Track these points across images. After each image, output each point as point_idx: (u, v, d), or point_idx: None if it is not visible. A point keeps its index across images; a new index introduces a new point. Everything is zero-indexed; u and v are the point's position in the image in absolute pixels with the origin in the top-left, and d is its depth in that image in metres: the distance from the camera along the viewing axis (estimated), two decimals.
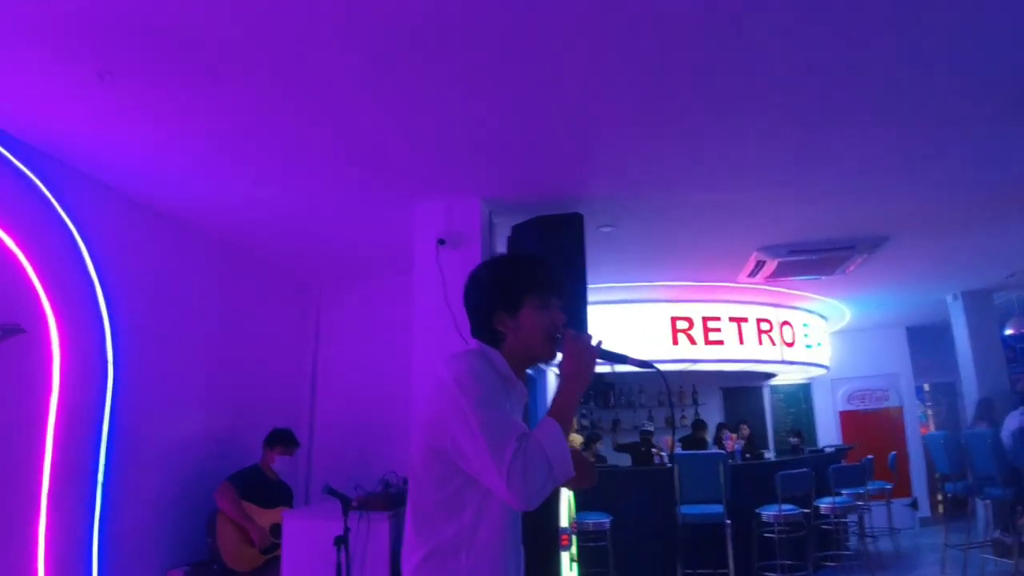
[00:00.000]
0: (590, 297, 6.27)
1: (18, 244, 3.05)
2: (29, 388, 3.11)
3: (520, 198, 3.92)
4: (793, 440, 7.48)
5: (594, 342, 1.47)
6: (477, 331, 1.56)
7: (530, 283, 1.51)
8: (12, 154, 3.05)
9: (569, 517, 3.91)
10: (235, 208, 4.09)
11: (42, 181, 3.20)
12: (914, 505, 8.70)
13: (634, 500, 5.77)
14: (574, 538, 3.97)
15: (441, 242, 3.72)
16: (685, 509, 5.32)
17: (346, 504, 3.32)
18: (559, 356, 1.49)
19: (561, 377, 1.46)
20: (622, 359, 1.51)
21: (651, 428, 7.71)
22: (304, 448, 5.11)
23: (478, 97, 2.82)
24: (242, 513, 4.02)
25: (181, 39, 2.36)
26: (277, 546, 4.01)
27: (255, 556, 4.04)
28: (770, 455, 7.39)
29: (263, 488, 4.25)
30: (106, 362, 3.51)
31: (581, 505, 5.45)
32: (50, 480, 3.13)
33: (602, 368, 1.49)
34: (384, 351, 5.35)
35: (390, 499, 3.75)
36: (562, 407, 1.40)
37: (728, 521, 5.15)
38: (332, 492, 3.40)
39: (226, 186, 3.75)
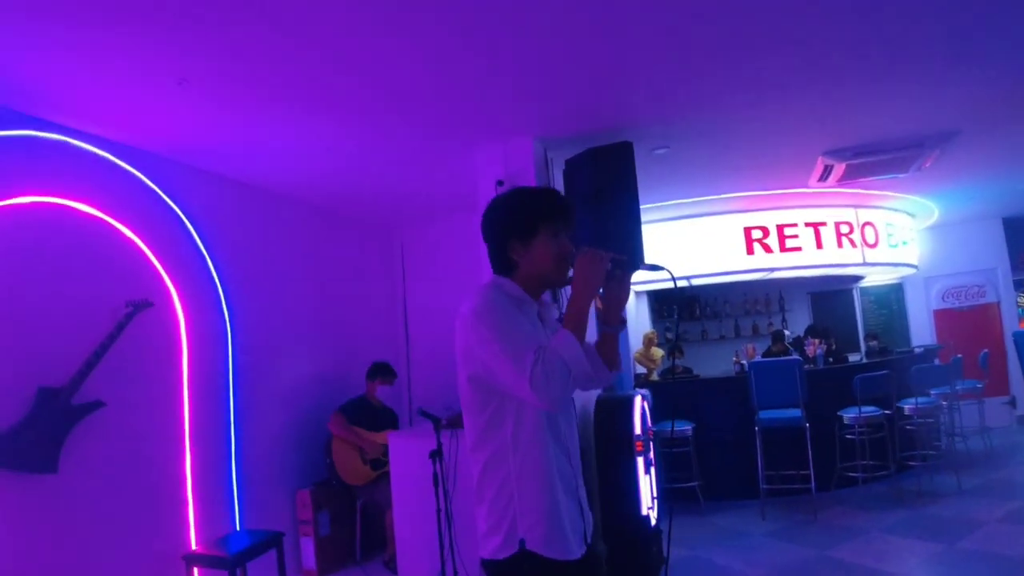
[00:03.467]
0: (657, 215, 6.43)
1: (136, 233, 3.62)
2: (165, 351, 3.75)
3: (571, 133, 4.06)
4: (872, 343, 7.34)
5: (606, 258, 1.59)
6: (494, 262, 1.70)
7: (543, 213, 1.64)
8: (117, 157, 3.56)
9: (644, 425, 4.19)
10: (317, 176, 4.54)
11: (147, 176, 3.71)
12: (1012, 403, 8.35)
13: (715, 407, 5.98)
14: (650, 444, 4.25)
15: (500, 183, 3.94)
16: (764, 414, 5.45)
17: (436, 424, 3.74)
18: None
19: (572, 290, 1.60)
20: (634, 266, 1.69)
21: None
22: (403, 377, 5.63)
23: (521, 42, 2.93)
24: (352, 432, 4.59)
25: (247, 38, 2.66)
26: (385, 463, 4.58)
27: (367, 472, 4.63)
28: (858, 358, 7.32)
29: (369, 414, 4.81)
30: (224, 322, 4.12)
31: (663, 414, 5.74)
32: (190, 424, 3.82)
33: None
34: (466, 284, 5.74)
35: None
36: (572, 317, 1.56)
37: (807, 424, 5.24)
38: (425, 414, 3.82)
39: (305, 158, 4.17)
